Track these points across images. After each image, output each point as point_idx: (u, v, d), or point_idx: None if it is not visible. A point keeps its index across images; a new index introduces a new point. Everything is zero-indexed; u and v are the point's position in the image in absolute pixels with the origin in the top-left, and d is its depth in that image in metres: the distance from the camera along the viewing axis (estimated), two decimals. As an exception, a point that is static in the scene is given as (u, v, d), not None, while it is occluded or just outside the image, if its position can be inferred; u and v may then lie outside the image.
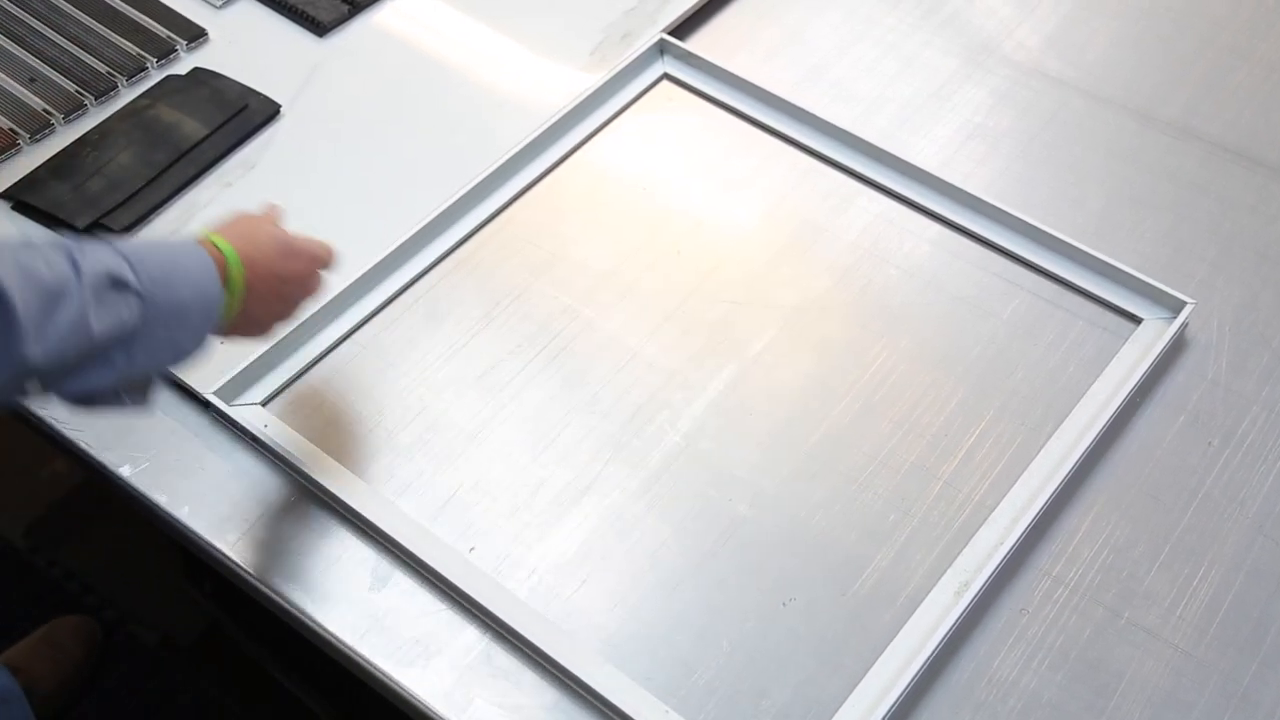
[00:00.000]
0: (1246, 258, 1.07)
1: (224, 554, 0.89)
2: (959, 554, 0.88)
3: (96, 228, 1.04)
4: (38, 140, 1.11)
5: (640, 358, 0.99)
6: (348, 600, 0.87)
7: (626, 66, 1.17)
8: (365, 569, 0.88)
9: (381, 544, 0.89)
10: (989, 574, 0.86)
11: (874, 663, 0.83)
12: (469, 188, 1.07)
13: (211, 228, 0.82)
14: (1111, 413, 0.94)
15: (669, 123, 1.16)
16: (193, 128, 1.11)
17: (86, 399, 0.75)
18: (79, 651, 1.54)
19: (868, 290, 1.04)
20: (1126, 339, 1.01)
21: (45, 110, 1.12)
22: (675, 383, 0.98)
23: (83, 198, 1.05)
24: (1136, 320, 1.02)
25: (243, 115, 1.13)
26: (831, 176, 1.12)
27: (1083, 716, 0.82)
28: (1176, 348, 1.01)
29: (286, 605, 0.87)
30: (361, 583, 0.87)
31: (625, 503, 0.91)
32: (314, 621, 0.86)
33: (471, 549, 0.89)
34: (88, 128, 1.12)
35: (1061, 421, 0.95)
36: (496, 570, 0.88)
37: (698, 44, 1.21)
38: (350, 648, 0.84)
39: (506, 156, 1.09)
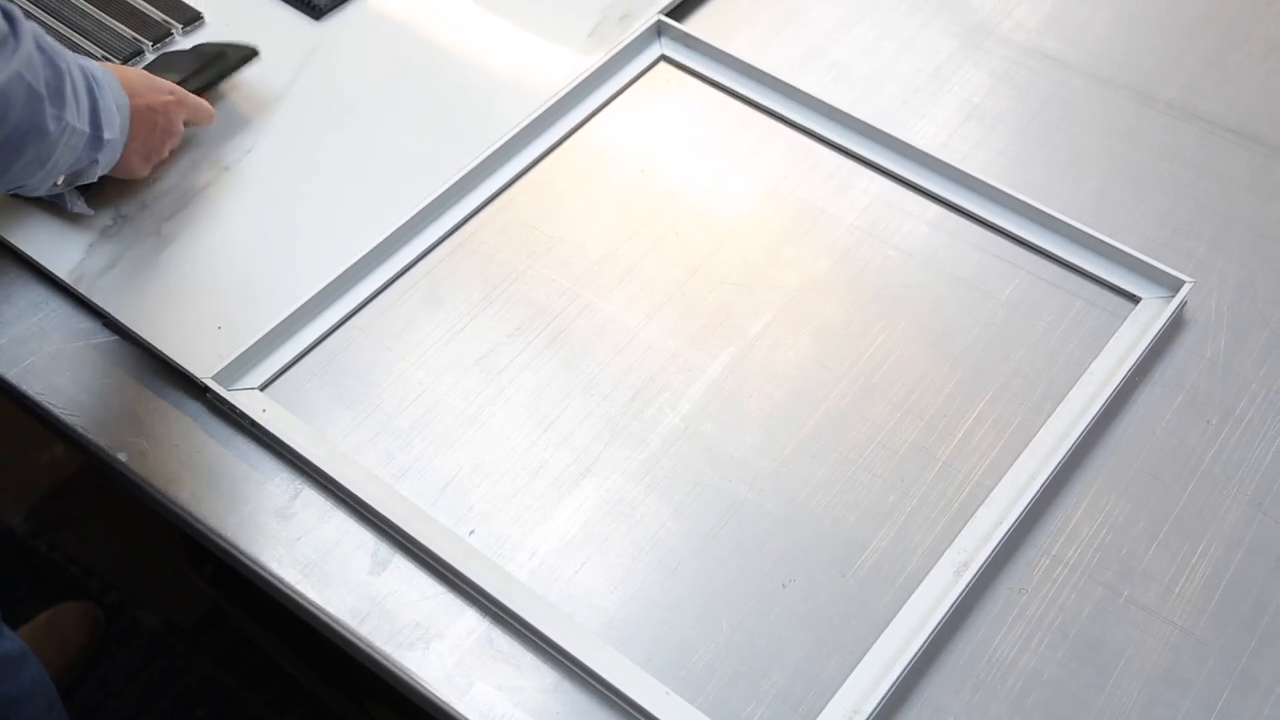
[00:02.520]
0: (1245, 237, 1.07)
1: (223, 538, 0.89)
2: (958, 534, 0.88)
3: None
4: (34, 125, 1.11)
5: (639, 340, 0.99)
6: (348, 584, 0.87)
7: (624, 48, 1.17)
8: (365, 552, 0.88)
9: (381, 527, 0.89)
10: (988, 554, 0.86)
11: (874, 643, 0.84)
12: (466, 170, 1.07)
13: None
14: (1110, 392, 0.94)
15: (667, 104, 1.16)
16: (171, 77, 1.10)
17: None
18: (81, 636, 1.55)
19: (866, 271, 1.04)
20: (1125, 318, 1.01)
21: (41, 95, 1.12)
22: (675, 365, 0.98)
23: None
24: (1135, 299, 1.02)
25: (220, 60, 1.13)
26: (830, 158, 1.12)
27: (1082, 694, 0.83)
28: (1175, 327, 1.01)
29: (286, 589, 0.87)
30: (361, 566, 0.88)
31: (625, 485, 0.91)
32: (314, 605, 0.86)
33: (471, 532, 0.89)
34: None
35: (1060, 401, 0.95)
36: (496, 553, 0.88)
37: (695, 25, 1.21)
38: (351, 631, 0.85)
39: (504, 139, 1.09)
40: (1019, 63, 1.21)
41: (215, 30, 1.20)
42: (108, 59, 1.15)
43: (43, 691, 1.20)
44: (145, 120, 1.00)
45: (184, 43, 1.18)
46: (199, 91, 1.09)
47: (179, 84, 1.07)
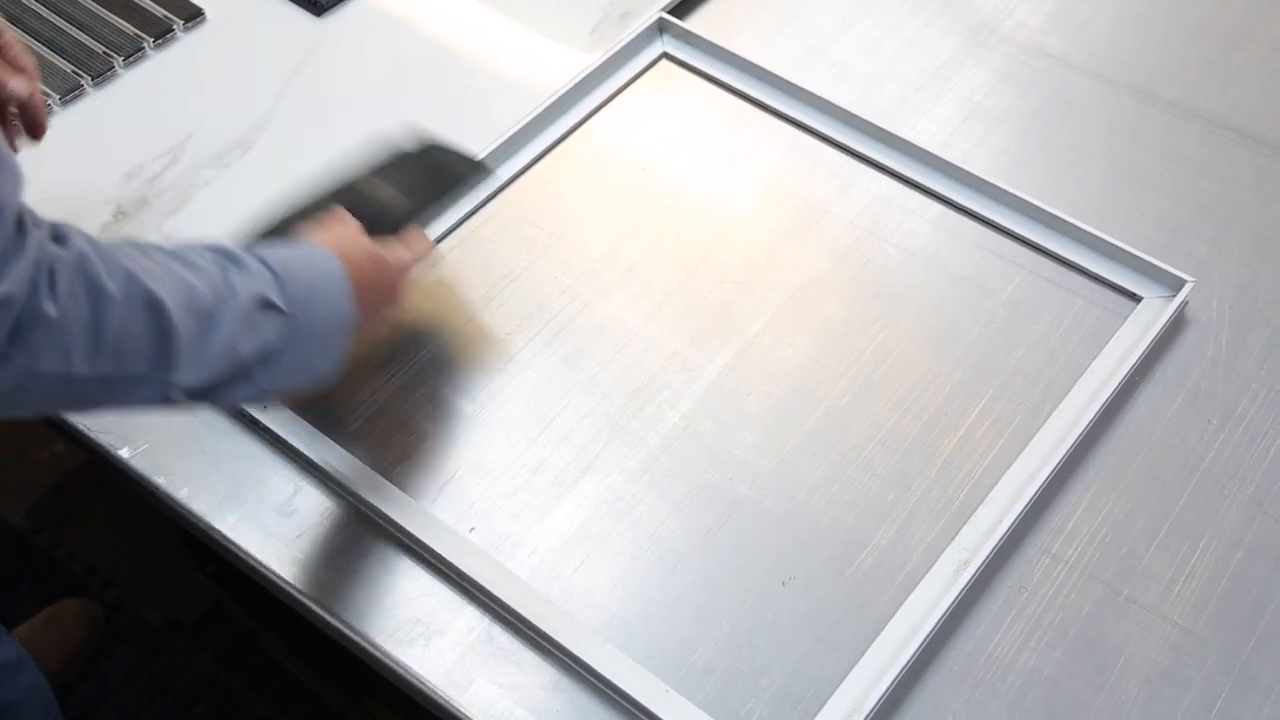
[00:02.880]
0: (1247, 236, 1.07)
1: (223, 535, 0.89)
2: (958, 532, 0.88)
3: None
4: (35, 121, 1.11)
5: (639, 338, 0.99)
6: (348, 581, 0.87)
7: (625, 45, 1.17)
8: (365, 550, 0.88)
9: (381, 525, 0.89)
10: (988, 552, 0.86)
11: (873, 641, 0.83)
12: (468, 168, 1.07)
13: (313, 237, 0.82)
14: (1111, 391, 0.94)
15: (668, 102, 1.16)
16: (389, 193, 0.95)
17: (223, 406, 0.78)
18: (82, 632, 1.55)
19: (867, 270, 1.04)
20: (1126, 317, 1.00)
21: (42, 91, 1.12)
22: (675, 363, 0.98)
23: None
24: (1136, 299, 1.02)
25: (441, 170, 1.00)
26: (832, 156, 1.12)
27: (1082, 693, 0.83)
28: (1176, 326, 1.01)
29: (286, 586, 0.87)
30: (361, 564, 0.87)
31: (625, 483, 0.91)
32: (315, 602, 0.86)
33: (471, 529, 0.89)
34: (87, 110, 1.12)
35: (1061, 400, 0.95)
36: (496, 550, 0.88)
37: (697, 23, 1.21)
38: (351, 628, 0.85)
39: (505, 136, 1.09)
40: (1021, 61, 1.21)
41: (216, 27, 1.20)
42: (109, 56, 1.14)
43: (39, 695, 1.20)
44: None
45: (184, 39, 1.18)
46: (418, 210, 0.96)
47: (399, 197, 0.94)
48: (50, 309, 0.61)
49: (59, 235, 0.64)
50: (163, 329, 0.66)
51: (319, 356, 0.77)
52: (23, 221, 0.61)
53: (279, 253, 0.75)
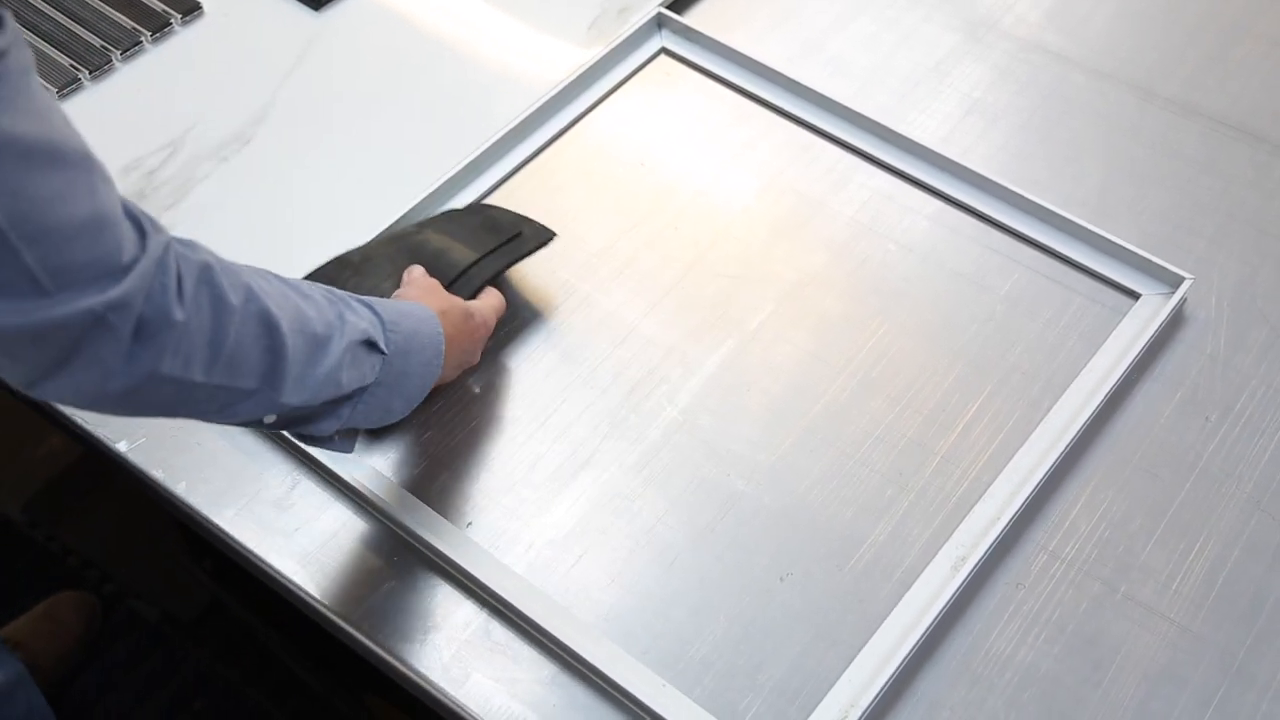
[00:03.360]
0: (1246, 234, 1.07)
1: (221, 529, 0.89)
2: (956, 529, 0.88)
3: None
4: (33, 115, 1.10)
5: (638, 333, 0.99)
6: (345, 575, 0.87)
7: (624, 41, 1.16)
8: (362, 544, 0.88)
9: (378, 519, 0.89)
10: (986, 548, 0.86)
11: (870, 637, 0.83)
12: (465, 163, 1.07)
13: (416, 293, 0.87)
14: (1109, 388, 0.94)
15: (667, 97, 1.16)
16: (461, 254, 0.96)
17: (302, 437, 0.79)
18: (79, 626, 1.55)
19: (866, 265, 1.04)
20: (1125, 314, 1.00)
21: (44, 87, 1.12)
22: (673, 358, 0.98)
23: None
24: (1135, 295, 1.02)
25: (515, 241, 0.99)
26: (830, 151, 1.12)
27: (1079, 690, 0.83)
28: (1175, 323, 1.01)
29: (284, 581, 0.87)
30: (359, 558, 0.87)
31: (623, 478, 0.91)
32: (311, 597, 0.86)
33: (469, 524, 0.89)
34: (85, 104, 1.12)
35: (1059, 397, 0.95)
36: (494, 545, 0.88)
37: (695, 18, 1.21)
38: (349, 622, 0.85)
39: (503, 132, 1.09)
40: (1020, 57, 1.20)
41: (213, 21, 1.20)
42: (107, 50, 1.14)
43: (38, 715, 1.19)
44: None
45: (182, 33, 1.18)
46: (484, 261, 0.96)
47: (464, 250, 0.95)
48: (178, 313, 0.62)
49: (185, 242, 0.66)
50: (275, 347, 0.68)
51: (401, 402, 0.81)
52: (140, 223, 0.62)
53: (385, 301, 0.80)
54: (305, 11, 1.21)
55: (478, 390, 0.96)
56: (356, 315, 0.75)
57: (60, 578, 1.63)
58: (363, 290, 0.89)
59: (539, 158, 1.11)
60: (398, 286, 0.91)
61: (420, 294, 0.87)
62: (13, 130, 0.54)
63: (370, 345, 0.75)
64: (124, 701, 1.54)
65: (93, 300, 0.58)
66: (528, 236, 1.00)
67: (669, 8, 1.19)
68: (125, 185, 1.06)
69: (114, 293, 0.59)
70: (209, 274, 0.65)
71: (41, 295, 0.57)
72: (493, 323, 0.93)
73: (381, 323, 0.77)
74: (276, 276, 0.72)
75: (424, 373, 0.81)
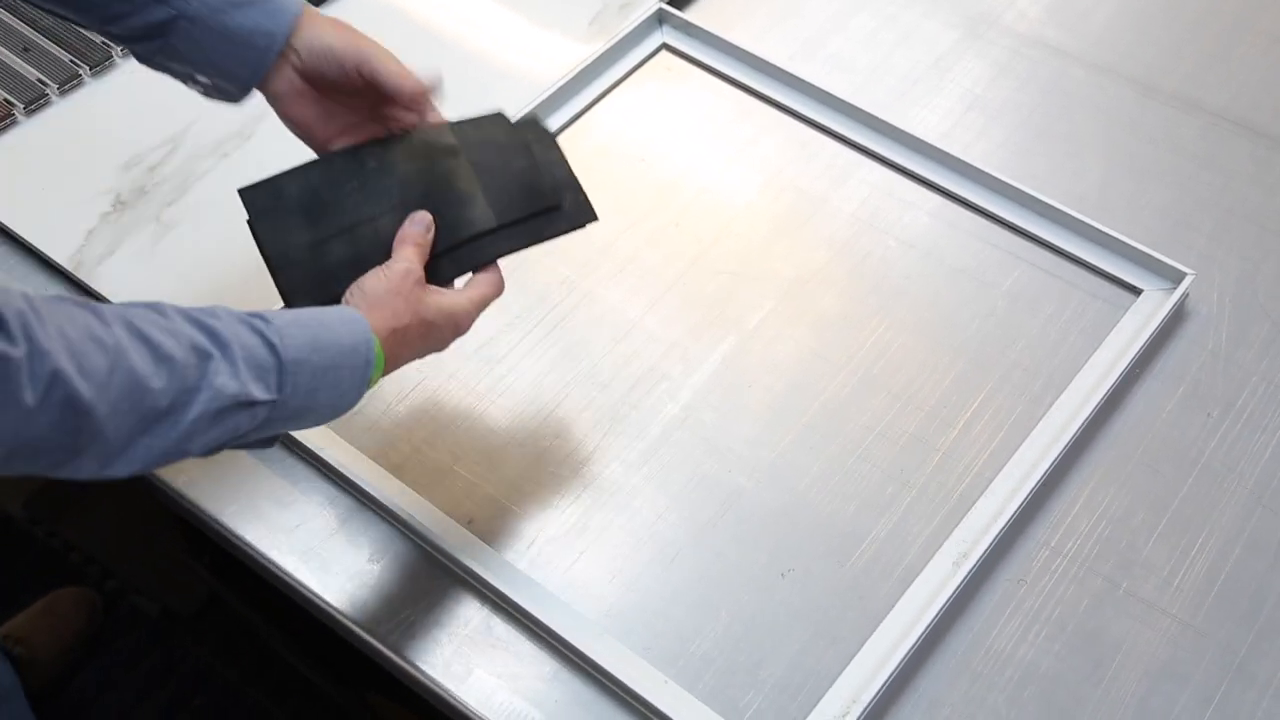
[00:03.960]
0: (1247, 229, 1.07)
1: (222, 525, 0.89)
2: (957, 525, 0.88)
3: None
4: (33, 112, 1.10)
5: (639, 329, 0.99)
6: (347, 572, 0.87)
7: (625, 36, 1.16)
8: (364, 541, 0.88)
9: (379, 515, 0.89)
10: (987, 545, 0.86)
11: (871, 634, 0.83)
12: (467, 159, 1.06)
13: (365, 306, 0.76)
14: (1111, 384, 0.94)
15: (668, 93, 1.16)
16: (481, 213, 0.82)
17: None
18: (79, 622, 1.55)
19: (867, 262, 1.04)
20: (1126, 310, 1.00)
21: (40, 80, 1.12)
22: (674, 355, 0.98)
23: (316, 264, 0.80)
24: (1136, 291, 1.02)
25: (546, 216, 0.85)
26: (831, 147, 1.12)
27: (1080, 687, 0.83)
28: (1176, 319, 1.01)
29: (285, 577, 0.87)
30: (360, 554, 0.87)
31: (624, 474, 0.91)
32: (313, 593, 0.86)
33: (470, 520, 0.89)
34: (86, 100, 1.12)
35: (1061, 393, 0.95)
36: (495, 541, 0.88)
37: (696, 14, 1.20)
38: (350, 619, 0.85)
39: (504, 127, 1.09)
40: (1021, 53, 1.20)
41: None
42: (108, 46, 1.13)
43: None
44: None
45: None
46: (503, 242, 0.84)
47: (488, 213, 0.83)
48: None
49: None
50: (86, 431, 0.61)
51: (303, 424, 0.74)
52: None
53: (303, 330, 0.70)
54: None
55: (478, 387, 0.96)
56: (231, 372, 0.66)
57: (61, 574, 1.63)
58: (359, 218, 0.81)
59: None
60: (398, 224, 0.80)
61: (385, 293, 0.76)
62: None
63: (245, 404, 0.67)
64: (124, 699, 1.54)
65: None
66: (566, 212, 0.86)
67: (670, 3, 1.19)
68: (126, 181, 1.06)
69: None
70: (4, 357, 0.57)
71: None
72: (467, 324, 0.81)
73: (279, 367, 0.68)
74: (130, 328, 0.63)
75: (335, 404, 0.73)
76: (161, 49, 0.81)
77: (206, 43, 0.80)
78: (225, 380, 0.66)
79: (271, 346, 0.68)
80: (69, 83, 1.12)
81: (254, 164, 1.04)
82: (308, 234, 0.81)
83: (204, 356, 0.65)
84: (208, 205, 1.05)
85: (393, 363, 0.77)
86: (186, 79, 0.83)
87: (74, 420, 0.60)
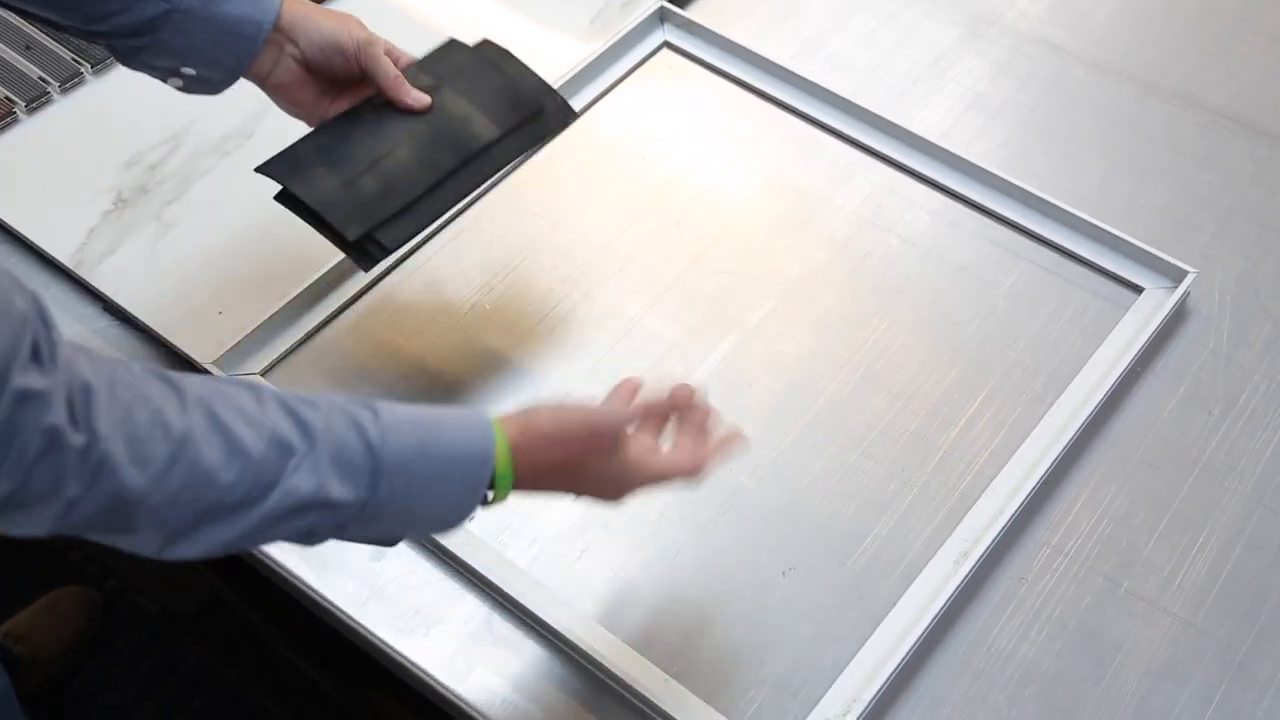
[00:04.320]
0: (1248, 228, 1.07)
1: (224, 523, 0.89)
2: (958, 524, 0.88)
3: (368, 240, 0.85)
4: (34, 110, 1.10)
5: (640, 328, 0.99)
6: (348, 570, 0.87)
7: (626, 35, 1.16)
8: (365, 538, 0.88)
9: (381, 514, 0.89)
10: (988, 543, 0.86)
11: (873, 632, 0.83)
12: (468, 157, 1.06)
13: (517, 418, 0.70)
14: (1112, 382, 0.94)
15: (669, 91, 1.16)
16: (483, 126, 0.90)
17: None
18: (80, 621, 1.55)
19: (868, 260, 1.04)
20: (1127, 308, 1.00)
21: (42, 78, 1.12)
22: (675, 353, 0.98)
23: (354, 199, 0.85)
24: (1138, 290, 1.02)
25: (537, 121, 0.92)
26: (832, 146, 1.12)
27: (1081, 685, 0.83)
28: (1177, 317, 1.01)
29: (287, 575, 0.87)
30: (362, 552, 0.87)
31: (625, 473, 0.91)
32: (315, 591, 0.86)
33: (471, 518, 0.88)
34: (87, 98, 1.12)
35: (1062, 391, 0.95)
36: (497, 540, 0.88)
37: (698, 12, 1.20)
38: (351, 617, 0.85)
39: (505, 126, 1.09)
40: (1022, 52, 1.20)
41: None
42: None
43: None
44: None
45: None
46: (506, 145, 0.91)
47: (495, 141, 0.89)
48: (4, 482, 0.54)
49: (49, 393, 0.54)
50: (131, 518, 0.59)
51: (411, 529, 0.70)
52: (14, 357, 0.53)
53: (414, 432, 0.65)
54: (306, 6, 1.21)
55: (478, 387, 0.96)
56: (311, 471, 0.62)
57: (62, 573, 1.63)
58: (377, 154, 0.85)
59: (541, 152, 1.10)
60: (416, 157, 0.85)
61: (510, 419, 0.70)
62: None
63: (321, 504, 0.62)
64: (124, 698, 1.54)
65: None
66: (550, 114, 0.93)
67: (671, 2, 1.19)
68: (127, 180, 1.06)
69: None
70: (57, 443, 0.54)
71: None
72: (621, 432, 0.74)
73: (374, 468, 0.63)
74: (210, 415, 0.60)
75: (445, 514, 0.68)
76: (150, 45, 0.81)
77: (197, 34, 0.81)
78: (302, 479, 0.62)
79: (369, 445, 0.64)
80: (70, 81, 1.12)
81: (255, 162, 1.04)
82: (336, 177, 0.85)
83: (285, 453, 0.61)
84: (209, 204, 1.05)
85: (531, 476, 0.70)
86: (167, 74, 0.84)
87: (122, 508, 0.58)
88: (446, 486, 0.67)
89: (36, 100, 1.10)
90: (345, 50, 0.86)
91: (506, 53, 0.95)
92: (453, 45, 0.95)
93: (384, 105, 0.89)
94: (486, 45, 0.95)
